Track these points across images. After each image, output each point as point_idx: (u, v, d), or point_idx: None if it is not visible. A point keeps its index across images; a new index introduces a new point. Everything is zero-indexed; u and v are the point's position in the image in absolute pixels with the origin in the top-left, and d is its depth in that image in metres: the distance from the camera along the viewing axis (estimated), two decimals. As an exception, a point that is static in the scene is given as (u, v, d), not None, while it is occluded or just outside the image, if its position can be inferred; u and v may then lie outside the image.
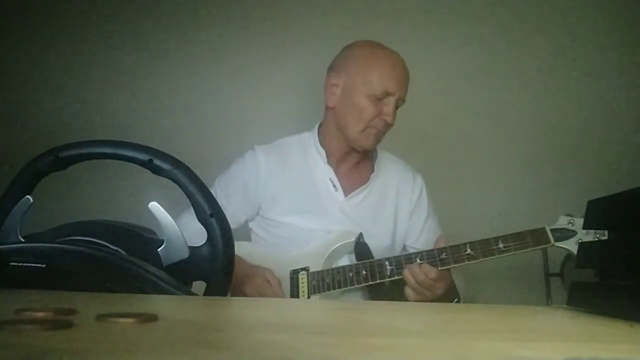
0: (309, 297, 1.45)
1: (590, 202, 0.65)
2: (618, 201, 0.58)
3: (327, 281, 1.46)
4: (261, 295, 1.40)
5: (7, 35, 2.14)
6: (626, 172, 2.18)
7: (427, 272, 1.37)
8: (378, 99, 1.50)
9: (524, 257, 1.62)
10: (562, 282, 2.02)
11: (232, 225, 1.54)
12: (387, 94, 1.49)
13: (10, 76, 2.13)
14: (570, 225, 1.39)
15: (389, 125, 1.53)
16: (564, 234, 1.39)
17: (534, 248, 1.41)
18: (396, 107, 1.53)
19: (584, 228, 0.66)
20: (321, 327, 0.48)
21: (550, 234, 1.39)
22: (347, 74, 1.54)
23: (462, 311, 0.74)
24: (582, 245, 0.69)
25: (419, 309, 0.71)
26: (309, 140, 1.63)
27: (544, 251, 1.88)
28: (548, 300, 2.03)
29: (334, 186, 1.57)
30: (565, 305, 0.69)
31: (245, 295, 1.40)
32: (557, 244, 1.39)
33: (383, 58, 1.53)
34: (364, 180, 1.61)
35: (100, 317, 0.38)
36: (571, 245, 1.39)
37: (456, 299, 1.48)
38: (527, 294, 2.09)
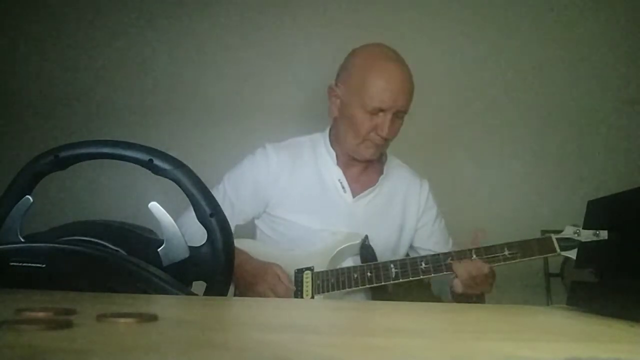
0: (312, 297, 1.45)
1: (590, 202, 0.65)
2: (618, 201, 0.58)
3: (331, 281, 1.46)
4: (274, 291, 1.39)
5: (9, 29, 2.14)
6: (626, 172, 2.18)
7: (480, 267, 1.40)
8: (373, 114, 1.49)
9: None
10: (562, 282, 2.02)
11: (240, 222, 1.57)
12: (380, 110, 1.48)
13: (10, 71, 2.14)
14: (576, 235, 1.39)
15: (385, 139, 1.51)
16: (569, 243, 1.40)
17: (539, 256, 1.42)
18: (398, 118, 1.51)
19: (584, 228, 0.66)
20: (322, 327, 0.48)
21: (556, 243, 1.40)
22: (345, 86, 1.54)
23: (462, 311, 0.74)
24: (582, 246, 0.69)
25: (419, 309, 0.71)
26: (320, 141, 1.63)
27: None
28: (548, 300, 2.04)
29: (343, 187, 1.58)
30: (565, 305, 0.69)
31: (257, 293, 1.40)
32: (563, 253, 1.41)
33: (378, 71, 1.49)
34: (372, 182, 1.61)
35: (100, 317, 0.38)
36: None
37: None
38: (527, 293, 2.09)
